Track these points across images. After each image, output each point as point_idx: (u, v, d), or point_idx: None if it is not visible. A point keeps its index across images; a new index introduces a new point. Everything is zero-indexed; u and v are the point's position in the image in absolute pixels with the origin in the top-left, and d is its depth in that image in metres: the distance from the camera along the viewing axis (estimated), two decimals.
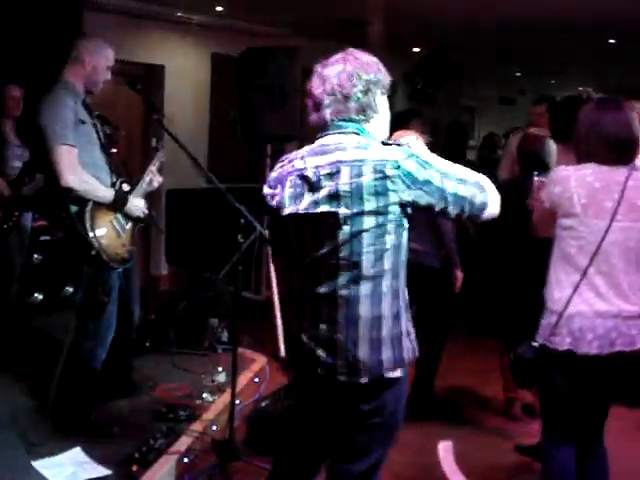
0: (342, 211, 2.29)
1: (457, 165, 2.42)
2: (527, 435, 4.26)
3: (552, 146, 4.09)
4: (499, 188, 2.45)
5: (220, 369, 4.67)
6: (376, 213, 2.28)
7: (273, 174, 2.50)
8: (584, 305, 2.87)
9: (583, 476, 3.12)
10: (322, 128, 2.42)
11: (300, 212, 2.37)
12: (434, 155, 2.46)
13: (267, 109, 5.77)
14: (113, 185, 3.97)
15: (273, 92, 5.76)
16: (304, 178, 2.36)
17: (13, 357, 4.81)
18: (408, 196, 2.27)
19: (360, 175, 2.27)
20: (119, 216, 3.96)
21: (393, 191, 2.26)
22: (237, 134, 6.06)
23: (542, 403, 3.20)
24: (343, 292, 2.34)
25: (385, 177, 2.25)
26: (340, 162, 2.31)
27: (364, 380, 2.35)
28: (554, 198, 2.92)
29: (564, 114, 3.84)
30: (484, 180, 2.39)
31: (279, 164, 2.50)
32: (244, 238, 3.89)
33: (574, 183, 2.87)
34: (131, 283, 4.19)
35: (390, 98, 2.53)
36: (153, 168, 4.20)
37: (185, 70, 8.35)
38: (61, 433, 3.88)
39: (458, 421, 4.73)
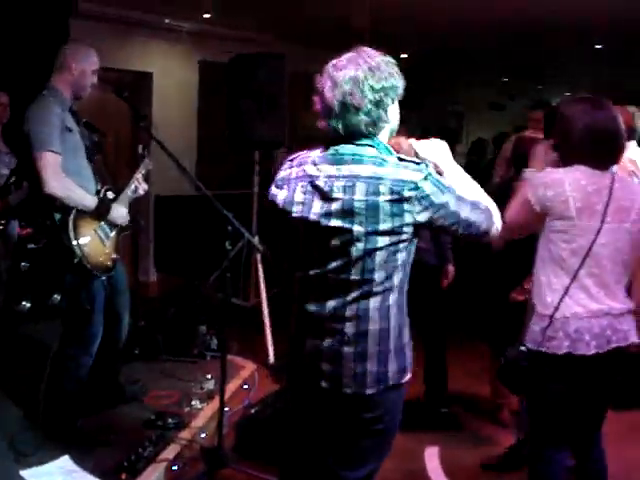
0: (356, 229, 2.27)
1: (470, 182, 2.44)
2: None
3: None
4: (493, 192, 2.46)
5: (209, 376, 4.67)
6: (390, 233, 2.27)
7: (281, 174, 2.47)
8: (578, 307, 2.87)
9: (583, 478, 3.14)
10: (334, 135, 2.37)
11: (310, 220, 2.34)
12: (455, 163, 2.48)
13: (255, 116, 5.78)
14: (97, 193, 3.96)
15: (261, 99, 5.77)
16: (315, 187, 2.33)
17: (0, 365, 4.79)
18: (423, 218, 2.27)
19: (377, 194, 2.25)
20: (103, 224, 3.96)
21: (409, 212, 2.25)
22: (225, 141, 6.06)
23: (532, 408, 3.18)
24: (353, 307, 2.33)
25: (402, 199, 2.24)
26: (356, 177, 2.28)
27: (370, 392, 2.35)
28: (546, 202, 2.88)
29: None
30: (492, 205, 2.42)
31: (287, 164, 2.47)
32: (232, 245, 3.89)
33: (569, 187, 2.85)
34: (118, 291, 4.16)
35: None
36: (139, 176, 4.20)
37: (173, 77, 8.35)
38: (50, 442, 3.85)
39: (446, 426, 4.73)
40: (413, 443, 4.27)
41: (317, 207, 2.33)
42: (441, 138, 2.58)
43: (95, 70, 3.99)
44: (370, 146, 2.32)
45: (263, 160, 6.58)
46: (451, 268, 4.75)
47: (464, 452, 4.34)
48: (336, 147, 2.36)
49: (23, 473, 3.54)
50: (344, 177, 2.30)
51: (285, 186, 2.42)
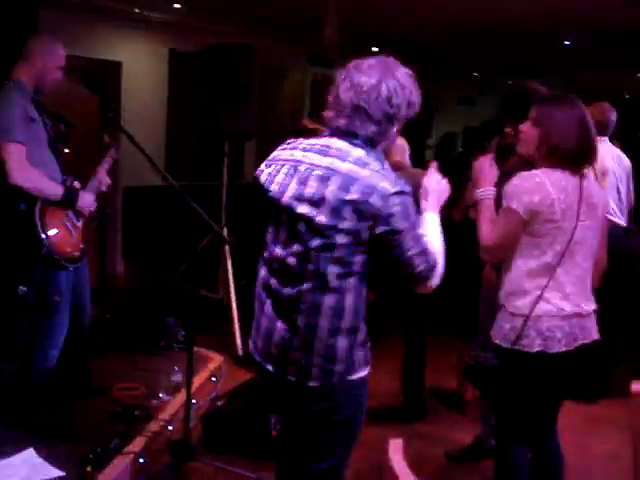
0: (319, 219, 2.29)
1: (438, 234, 2.45)
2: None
3: None
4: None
5: (176, 368, 4.65)
6: (349, 233, 2.28)
7: (274, 153, 2.50)
8: (550, 305, 2.89)
9: (541, 472, 3.17)
10: (333, 127, 2.39)
11: (282, 202, 2.38)
12: (437, 214, 2.52)
13: (226, 107, 5.76)
14: (63, 182, 3.92)
15: (232, 90, 5.76)
16: (296, 171, 2.37)
17: None
18: (378, 231, 2.27)
19: (347, 191, 2.26)
20: (70, 214, 3.92)
21: (370, 219, 2.26)
22: (195, 132, 6.04)
23: (499, 404, 3.20)
24: (307, 298, 2.35)
25: (367, 204, 2.24)
26: (334, 171, 2.30)
27: (313, 384, 2.38)
28: (532, 208, 2.83)
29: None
30: (440, 265, 2.37)
31: (281, 147, 2.50)
32: (200, 237, 3.88)
33: (552, 189, 2.83)
34: (82, 281, 4.13)
35: None
36: (105, 165, 4.17)
37: (143, 67, 8.27)
38: (15, 434, 3.82)
39: (412, 418, 4.75)
40: (378, 435, 4.32)
41: (291, 191, 2.36)
42: (412, 132, 2.61)
43: (60, 66, 3.92)
44: (362, 148, 2.34)
45: (232, 152, 6.56)
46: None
47: (428, 443, 4.38)
48: (330, 140, 2.38)
49: None
50: (324, 168, 2.32)
51: (272, 165, 2.46)
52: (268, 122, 7.39)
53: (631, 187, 5.26)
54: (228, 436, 4.15)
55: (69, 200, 3.88)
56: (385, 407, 4.85)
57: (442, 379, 5.34)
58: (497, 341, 2.98)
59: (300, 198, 2.33)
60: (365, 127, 2.32)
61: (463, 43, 9.52)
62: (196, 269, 3.91)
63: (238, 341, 5.64)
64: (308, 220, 2.31)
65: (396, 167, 4.50)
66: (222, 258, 6.07)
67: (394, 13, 7.60)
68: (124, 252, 8.19)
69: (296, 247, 2.36)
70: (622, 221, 5.14)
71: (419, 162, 4.87)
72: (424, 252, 2.31)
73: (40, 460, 3.62)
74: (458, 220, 3.99)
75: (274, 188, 2.41)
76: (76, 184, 3.99)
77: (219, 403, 4.39)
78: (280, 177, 2.40)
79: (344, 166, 2.30)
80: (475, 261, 3.60)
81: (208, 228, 3.92)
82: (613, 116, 5.18)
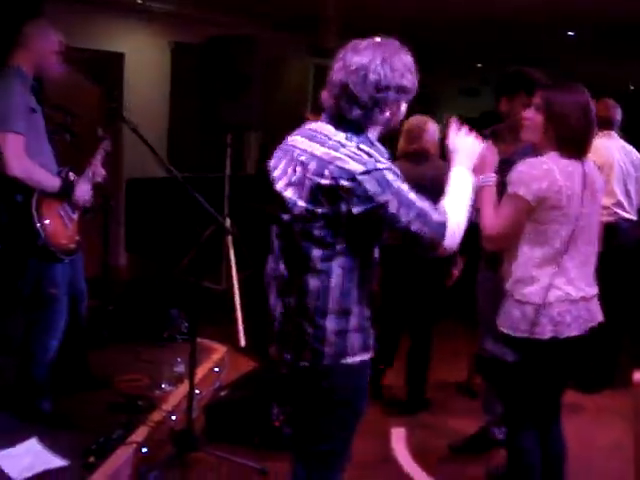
0: (300, 204, 2.32)
1: (461, 194, 2.41)
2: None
3: None
4: None
5: (179, 359, 4.65)
6: (326, 217, 2.28)
7: (282, 144, 2.51)
8: (560, 292, 2.91)
9: (544, 459, 3.17)
10: (326, 109, 2.38)
11: (277, 188, 2.42)
12: (468, 173, 2.51)
13: (228, 98, 5.76)
14: (59, 174, 3.90)
15: (234, 81, 5.75)
16: (292, 157, 2.39)
17: None
18: (357, 210, 2.23)
19: (321, 175, 2.25)
20: (66, 206, 3.90)
21: (344, 201, 2.24)
22: (198, 123, 6.04)
23: (508, 392, 3.19)
24: (296, 280, 2.39)
25: (338, 187, 2.23)
26: (312, 156, 2.31)
27: (304, 364, 2.41)
28: (541, 194, 2.83)
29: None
30: (451, 220, 2.30)
31: (286, 139, 2.51)
32: (203, 228, 3.88)
33: (560, 176, 2.84)
34: (78, 273, 4.12)
35: None
36: (98, 157, 4.13)
37: (145, 58, 8.26)
38: (18, 424, 3.83)
39: (415, 409, 4.75)
40: (383, 424, 4.34)
41: (284, 176, 2.40)
42: None
43: (55, 50, 3.86)
44: (344, 132, 2.32)
45: (235, 143, 6.56)
46: (456, 272, 4.68)
47: (432, 434, 4.40)
48: (319, 124, 2.40)
49: None
50: (308, 153, 2.33)
51: (279, 152, 2.49)
52: (271, 113, 7.35)
53: None
54: (231, 426, 4.15)
55: (66, 192, 3.87)
56: (389, 400, 4.87)
57: (447, 369, 5.34)
58: (505, 330, 2.98)
59: (288, 183, 2.37)
60: (351, 110, 2.29)
61: (463, 35, 9.50)
62: (199, 260, 3.90)
63: (241, 332, 5.64)
64: (292, 204, 2.34)
65: (422, 155, 4.49)
66: (225, 249, 6.07)
67: (394, 4, 7.58)
68: (127, 244, 8.19)
69: (286, 231, 2.40)
70: (629, 214, 5.08)
71: None
72: (420, 214, 2.24)
73: (43, 450, 3.63)
74: None
75: (276, 174, 2.45)
76: (71, 175, 3.97)
77: (222, 393, 4.39)
78: (280, 164, 2.44)
79: (321, 150, 2.30)
80: (475, 251, 3.61)
81: (211, 219, 3.92)
82: (618, 114, 5.16)
